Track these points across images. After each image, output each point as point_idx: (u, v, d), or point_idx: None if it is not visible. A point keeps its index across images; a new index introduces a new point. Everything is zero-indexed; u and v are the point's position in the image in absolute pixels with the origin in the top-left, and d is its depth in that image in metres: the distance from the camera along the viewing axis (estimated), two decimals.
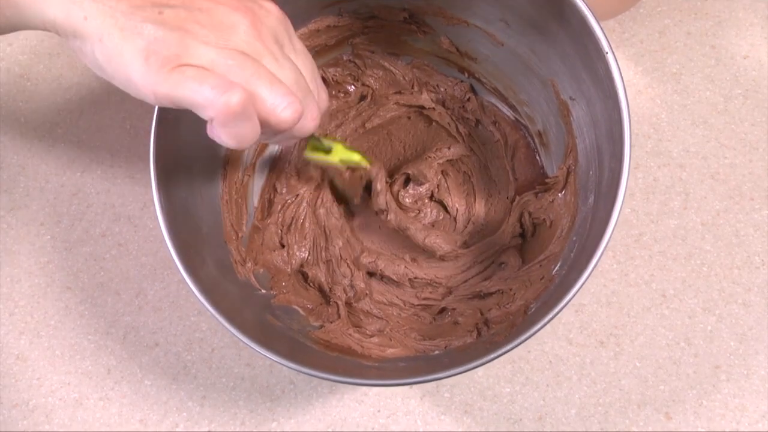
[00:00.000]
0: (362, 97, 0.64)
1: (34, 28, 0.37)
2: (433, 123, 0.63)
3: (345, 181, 0.60)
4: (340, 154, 0.54)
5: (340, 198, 0.62)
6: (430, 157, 0.61)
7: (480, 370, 0.61)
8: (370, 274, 0.61)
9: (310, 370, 0.45)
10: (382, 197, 0.58)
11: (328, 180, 0.62)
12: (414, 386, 0.61)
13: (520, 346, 0.60)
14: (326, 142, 0.54)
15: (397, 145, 0.64)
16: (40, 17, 0.36)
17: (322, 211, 0.62)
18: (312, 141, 0.54)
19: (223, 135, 0.36)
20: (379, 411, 0.61)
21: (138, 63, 0.34)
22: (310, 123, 0.38)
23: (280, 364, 0.45)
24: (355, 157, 0.54)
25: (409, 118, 0.64)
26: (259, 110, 0.35)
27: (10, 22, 0.37)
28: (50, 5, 0.35)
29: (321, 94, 0.41)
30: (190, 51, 0.34)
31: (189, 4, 0.35)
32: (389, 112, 0.63)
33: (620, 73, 0.43)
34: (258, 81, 0.35)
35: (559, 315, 0.61)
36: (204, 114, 0.35)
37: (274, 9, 0.38)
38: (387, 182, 0.59)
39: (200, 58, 0.34)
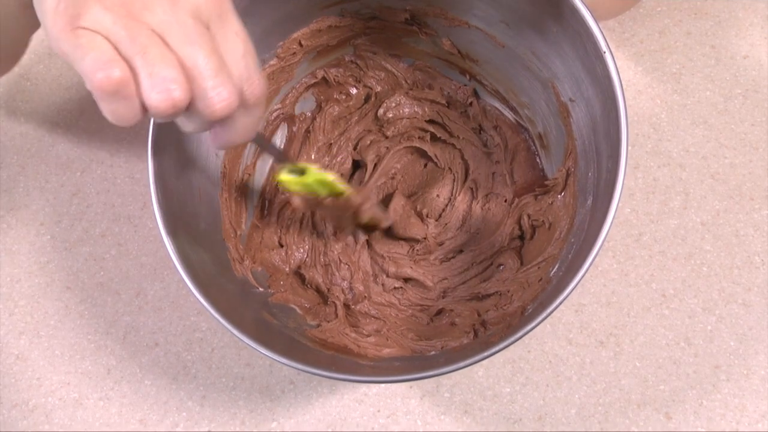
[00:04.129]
0: (366, 99, 0.64)
1: None
2: (429, 164, 0.64)
3: (331, 210, 0.58)
4: (313, 176, 0.51)
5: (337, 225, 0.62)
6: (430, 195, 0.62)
7: (480, 370, 0.61)
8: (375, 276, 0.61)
9: (306, 367, 0.45)
10: (370, 215, 0.57)
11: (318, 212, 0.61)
12: (414, 386, 0.61)
13: (520, 347, 0.61)
14: (298, 165, 0.51)
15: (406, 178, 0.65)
16: None
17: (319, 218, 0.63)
18: (285, 165, 0.51)
19: (101, 108, 0.34)
20: (379, 411, 0.61)
21: (49, 13, 0.33)
22: (215, 105, 0.35)
23: (277, 361, 0.45)
24: (329, 178, 0.51)
25: (411, 153, 0.64)
26: (138, 91, 0.34)
27: None
28: None
29: (252, 78, 0.37)
30: (90, 13, 0.32)
31: None
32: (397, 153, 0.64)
33: (618, 72, 0.43)
34: (142, 60, 0.33)
35: (559, 315, 0.62)
36: (87, 85, 0.34)
37: None
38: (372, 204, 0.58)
39: (97, 23, 0.32)
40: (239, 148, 0.59)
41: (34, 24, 0.50)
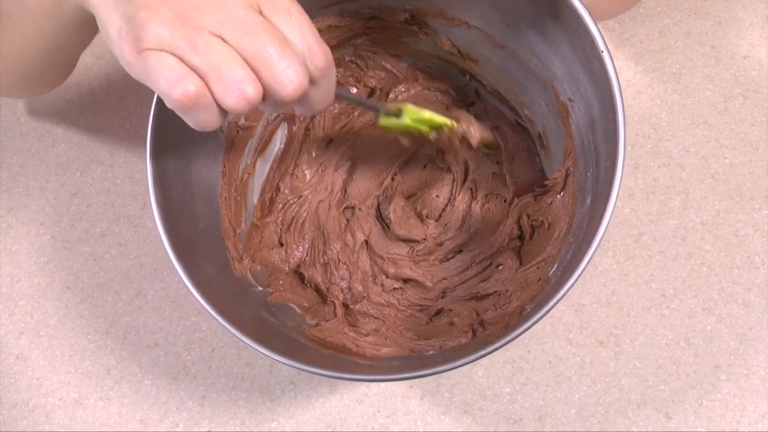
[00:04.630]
0: (370, 95, 0.64)
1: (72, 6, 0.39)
2: (429, 164, 0.64)
3: (440, 142, 0.57)
4: (411, 115, 0.52)
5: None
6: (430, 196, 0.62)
7: (480, 370, 0.61)
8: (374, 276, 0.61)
9: (305, 366, 0.45)
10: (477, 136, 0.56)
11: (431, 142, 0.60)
12: (414, 386, 0.61)
13: (520, 347, 0.61)
14: (392, 107, 0.52)
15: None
16: None
17: (323, 212, 0.62)
18: (380, 110, 0.52)
19: (186, 120, 0.36)
20: (379, 411, 0.61)
21: (115, 40, 0.35)
22: (287, 89, 0.35)
23: (277, 361, 0.45)
24: (426, 115, 0.52)
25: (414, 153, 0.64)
26: (214, 97, 0.35)
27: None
28: None
29: (314, 51, 0.37)
30: (149, 33, 0.33)
31: None
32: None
33: (615, 72, 0.43)
34: (209, 67, 0.34)
35: (559, 315, 0.62)
36: (167, 104, 0.35)
37: None
38: (477, 135, 0.56)
39: (159, 40, 0.34)
40: (239, 147, 0.59)
41: (86, 42, 0.52)
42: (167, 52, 0.34)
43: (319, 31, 0.56)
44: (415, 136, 0.56)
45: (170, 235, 0.46)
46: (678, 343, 0.61)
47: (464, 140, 0.56)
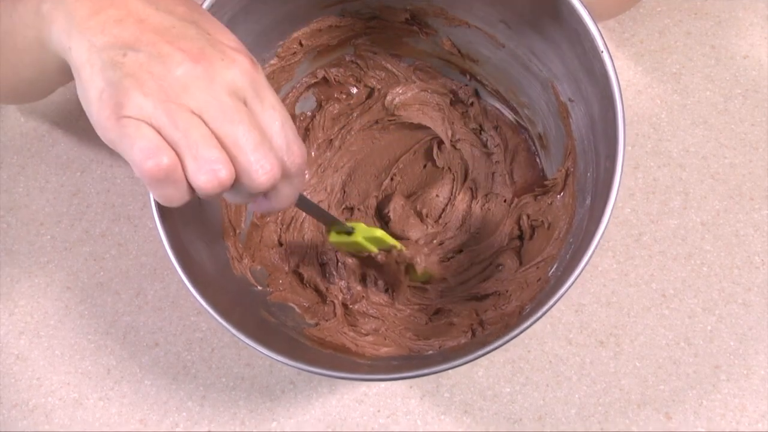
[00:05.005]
0: (369, 95, 0.64)
1: (54, 52, 0.39)
2: (429, 164, 0.64)
3: (383, 268, 0.60)
4: (362, 233, 0.53)
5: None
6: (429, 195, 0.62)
7: (480, 370, 0.61)
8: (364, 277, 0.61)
9: (305, 366, 0.45)
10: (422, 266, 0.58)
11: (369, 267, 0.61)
12: (414, 386, 0.61)
13: (520, 347, 0.61)
14: (345, 224, 0.53)
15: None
16: (55, 43, 0.37)
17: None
18: (332, 225, 0.53)
19: (152, 193, 0.36)
20: (379, 411, 0.61)
21: (95, 103, 0.34)
22: (260, 178, 0.36)
23: (277, 360, 0.45)
24: (377, 233, 0.53)
25: (414, 153, 0.64)
26: (185, 174, 0.35)
27: (42, 50, 0.40)
28: (54, 32, 0.37)
29: (291, 148, 0.37)
30: (132, 101, 0.33)
31: (152, 50, 0.34)
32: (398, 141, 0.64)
33: (615, 72, 0.44)
34: (186, 143, 0.34)
35: (559, 315, 0.62)
36: (136, 173, 0.35)
37: (241, 59, 0.36)
38: (422, 264, 0.58)
39: (140, 110, 0.33)
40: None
41: (59, 84, 0.52)
42: (146, 123, 0.33)
43: (320, 30, 0.57)
44: (361, 256, 0.57)
45: (170, 235, 0.46)
46: (678, 343, 0.61)
47: (409, 266, 0.57)
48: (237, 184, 0.36)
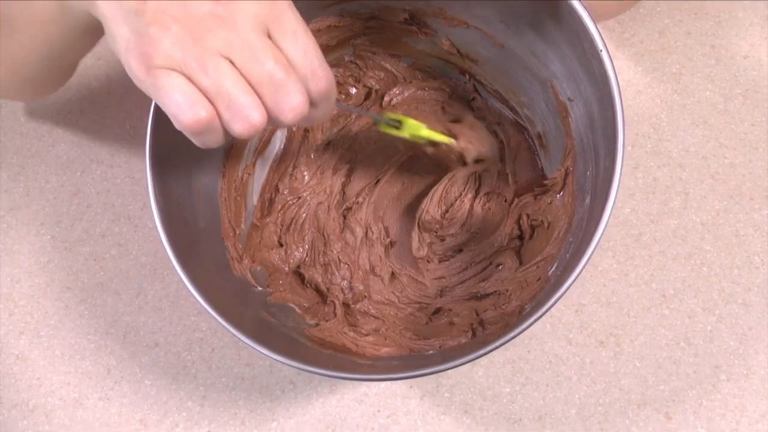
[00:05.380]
0: (366, 96, 0.64)
1: (79, 12, 0.39)
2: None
3: (435, 155, 0.59)
4: (410, 130, 0.54)
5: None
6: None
7: (480, 370, 0.61)
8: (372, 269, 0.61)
9: (305, 366, 0.45)
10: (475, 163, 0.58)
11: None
12: (414, 386, 0.61)
13: (520, 347, 0.61)
14: (393, 117, 0.54)
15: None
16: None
17: (323, 213, 0.62)
18: (380, 121, 0.54)
19: (192, 140, 0.37)
20: (379, 411, 0.61)
21: (124, 54, 0.35)
22: (287, 115, 0.37)
23: (277, 361, 0.45)
24: (424, 132, 0.54)
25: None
26: (221, 122, 0.36)
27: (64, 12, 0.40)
28: None
29: (317, 74, 0.38)
30: (160, 50, 0.34)
31: None
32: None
33: (614, 71, 0.44)
34: (217, 91, 0.35)
35: (559, 315, 0.62)
36: (175, 125, 0.36)
37: None
38: (474, 153, 0.58)
39: (169, 59, 0.34)
40: (239, 148, 0.59)
41: (90, 47, 0.52)
42: (177, 71, 0.34)
43: (319, 31, 0.57)
44: (411, 145, 0.57)
45: (170, 235, 0.46)
46: (678, 343, 0.61)
47: (460, 156, 0.57)
48: (269, 118, 0.37)
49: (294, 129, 0.64)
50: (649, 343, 0.61)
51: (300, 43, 0.37)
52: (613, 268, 0.63)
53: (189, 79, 0.35)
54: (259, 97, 0.36)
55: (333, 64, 0.62)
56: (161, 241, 0.46)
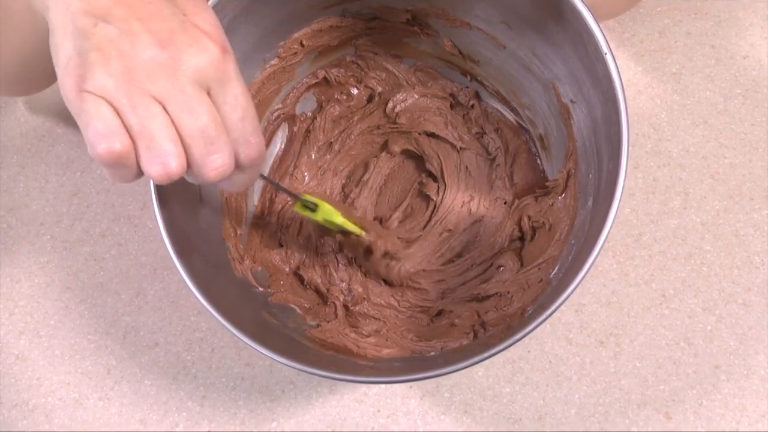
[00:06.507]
0: (369, 99, 0.64)
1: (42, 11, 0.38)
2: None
3: (344, 244, 0.60)
4: (324, 214, 0.53)
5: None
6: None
7: (480, 370, 0.61)
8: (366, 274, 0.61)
9: (306, 367, 0.45)
10: (382, 258, 0.59)
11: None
12: (414, 386, 0.61)
13: (520, 347, 0.61)
14: (309, 199, 0.53)
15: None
16: (39, 2, 0.37)
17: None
18: (298, 199, 0.54)
19: (104, 169, 0.36)
20: (379, 411, 0.61)
21: (62, 67, 0.34)
22: (210, 172, 0.36)
23: (277, 361, 0.45)
24: (338, 219, 0.53)
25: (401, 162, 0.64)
26: (137, 159, 0.35)
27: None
28: None
29: (249, 141, 0.38)
30: (95, 77, 0.33)
31: (123, 26, 0.34)
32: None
33: (619, 74, 0.43)
34: (141, 131, 0.34)
35: (559, 315, 0.62)
36: (89, 151, 0.35)
37: (211, 47, 0.36)
38: (383, 248, 0.58)
39: (101, 88, 0.33)
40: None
41: None
42: (106, 101, 0.33)
43: (321, 31, 0.57)
44: (322, 227, 0.58)
45: (171, 234, 0.46)
46: (678, 343, 0.61)
47: (368, 249, 0.57)
48: (190, 172, 0.36)
49: (295, 129, 0.64)
50: (649, 343, 0.61)
51: (239, 108, 0.37)
52: (613, 268, 0.63)
53: (117, 112, 0.34)
54: (185, 149, 0.35)
55: (334, 64, 0.62)
56: (162, 241, 0.46)
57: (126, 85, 0.34)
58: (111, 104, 0.34)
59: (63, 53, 0.34)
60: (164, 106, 0.34)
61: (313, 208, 0.53)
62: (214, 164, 0.36)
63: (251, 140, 0.38)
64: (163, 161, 0.34)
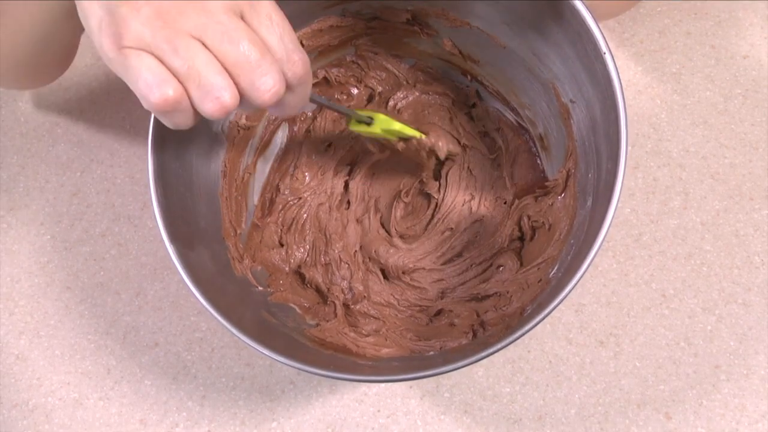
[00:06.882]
0: (369, 99, 0.64)
1: None
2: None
3: (406, 152, 0.58)
4: (381, 124, 0.53)
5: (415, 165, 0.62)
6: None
7: (480, 370, 0.61)
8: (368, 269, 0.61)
9: (306, 366, 0.45)
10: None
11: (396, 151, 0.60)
12: (414, 386, 0.61)
13: (520, 347, 0.61)
14: (364, 114, 0.53)
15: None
16: None
17: (324, 214, 0.62)
18: (351, 116, 0.53)
19: (160, 120, 0.37)
20: (379, 411, 0.61)
21: (96, 31, 0.35)
22: (263, 96, 0.36)
23: (277, 361, 0.45)
24: (396, 126, 0.53)
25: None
26: (191, 102, 0.35)
27: None
28: None
29: (292, 58, 0.37)
30: (130, 31, 0.33)
31: None
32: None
33: (618, 74, 0.43)
34: (188, 71, 0.34)
35: (559, 315, 0.62)
36: (143, 104, 0.35)
37: None
38: (444, 148, 0.57)
39: (139, 40, 0.34)
40: (240, 146, 0.59)
41: (78, 30, 0.52)
42: (147, 52, 0.34)
43: (321, 31, 0.57)
44: (383, 144, 0.57)
45: (171, 234, 0.46)
46: (678, 343, 0.61)
47: (431, 152, 0.57)
48: (243, 101, 0.36)
49: (295, 129, 0.64)
50: (649, 343, 0.61)
51: (275, 28, 0.37)
52: (613, 268, 0.63)
53: (160, 59, 0.34)
54: (233, 79, 0.35)
55: (335, 64, 0.62)
56: (162, 241, 0.46)
57: (162, 29, 0.34)
58: (153, 53, 0.34)
59: (93, 18, 0.34)
60: (203, 41, 0.34)
61: (369, 122, 0.53)
62: (266, 86, 0.36)
63: (294, 57, 0.37)
64: (216, 95, 0.34)
